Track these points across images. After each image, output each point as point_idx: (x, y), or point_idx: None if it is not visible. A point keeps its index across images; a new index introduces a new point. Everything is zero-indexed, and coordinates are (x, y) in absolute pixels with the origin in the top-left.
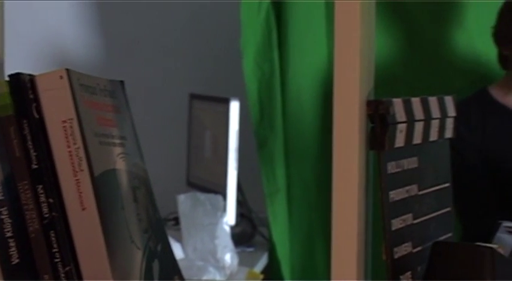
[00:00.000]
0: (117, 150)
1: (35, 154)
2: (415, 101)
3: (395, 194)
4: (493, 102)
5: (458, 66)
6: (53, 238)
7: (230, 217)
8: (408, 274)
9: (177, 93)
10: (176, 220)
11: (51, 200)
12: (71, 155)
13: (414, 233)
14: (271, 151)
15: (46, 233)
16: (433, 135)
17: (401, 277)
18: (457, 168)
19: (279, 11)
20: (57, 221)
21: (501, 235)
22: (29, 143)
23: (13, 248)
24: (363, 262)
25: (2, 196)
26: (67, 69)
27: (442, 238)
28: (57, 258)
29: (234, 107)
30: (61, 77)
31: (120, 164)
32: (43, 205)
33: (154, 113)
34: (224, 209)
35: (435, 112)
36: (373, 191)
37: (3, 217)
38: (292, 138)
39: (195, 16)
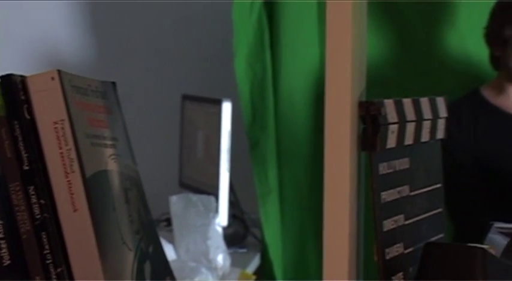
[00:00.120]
0: (109, 151)
1: (26, 155)
2: (407, 102)
3: (387, 195)
4: (485, 103)
5: (450, 67)
6: (45, 239)
7: (222, 218)
8: (400, 274)
9: (169, 94)
10: (168, 221)
11: (42, 202)
12: (62, 157)
13: (406, 234)
14: (263, 152)
15: (38, 235)
16: (425, 136)
17: (393, 277)
18: (448, 169)
19: (271, 12)
20: (49, 223)
21: (493, 235)
22: (21, 144)
23: (4, 250)
24: (354, 263)
25: None
26: (58, 71)
27: (433, 239)
28: (48, 259)
29: (226, 108)
30: (52, 78)
31: (112, 165)
32: (34, 206)
33: (146, 114)
34: (216, 210)
35: (427, 113)
36: (364, 192)
37: None
38: (284, 139)
39: (188, 17)
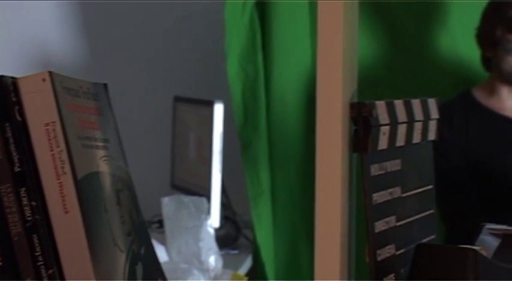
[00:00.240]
0: (100, 153)
1: (17, 156)
2: (398, 104)
3: (379, 197)
4: (476, 104)
5: (442, 68)
6: (36, 241)
7: (214, 220)
8: (391, 276)
9: (161, 96)
10: (160, 223)
11: (34, 203)
12: (53, 158)
13: (397, 236)
14: (255, 153)
15: (29, 237)
16: (416, 138)
17: (384, 279)
18: (440, 170)
19: (263, 12)
20: (40, 224)
21: (484, 236)
22: (12, 146)
23: None
24: (346, 264)
25: None
26: (50, 72)
27: (425, 240)
28: (40, 261)
29: (218, 109)
30: (44, 80)
31: (103, 167)
32: (26, 208)
33: (138, 116)
34: (208, 212)
35: (418, 114)
36: (356, 193)
37: None
38: (276, 140)
39: (180, 18)
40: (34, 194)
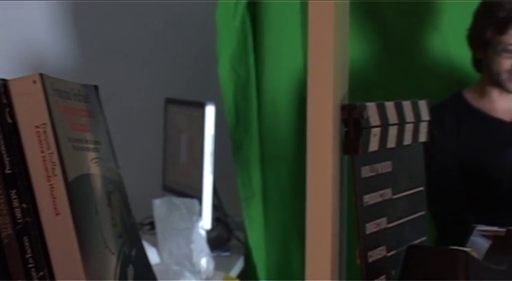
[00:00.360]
0: (91, 155)
1: (8, 158)
2: (389, 105)
3: (370, 198)
4: (468, 106)
5: (433, 70)
6: (27, 243)
7: (206, 221)
8: (382, 277)
9: (152, 98)
10: (152, 225)
11: (24, 206)
12: (44, 160)
13: (388, 237)
14: (246, 155)
15: (19, 239)
16: (407, 139)
17: (375, 280)
18: (431, 171)
19: (254, 14)
20: (31, 227)
21: (475, 238)
22: (2, 148)
23: None
24: (337, 265)
25: None
26: (40, 74)
27: (416, 242)
28: (30, 263)
29: (210, 111)
30: (34, 82)
31: (94, 169)
32: (16, 210)
33: (129, 118)
34: (200, 214)
35: (409, 116)
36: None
37: None
38: (267, 142)
39: (171, 20)
40: (25, 196)
